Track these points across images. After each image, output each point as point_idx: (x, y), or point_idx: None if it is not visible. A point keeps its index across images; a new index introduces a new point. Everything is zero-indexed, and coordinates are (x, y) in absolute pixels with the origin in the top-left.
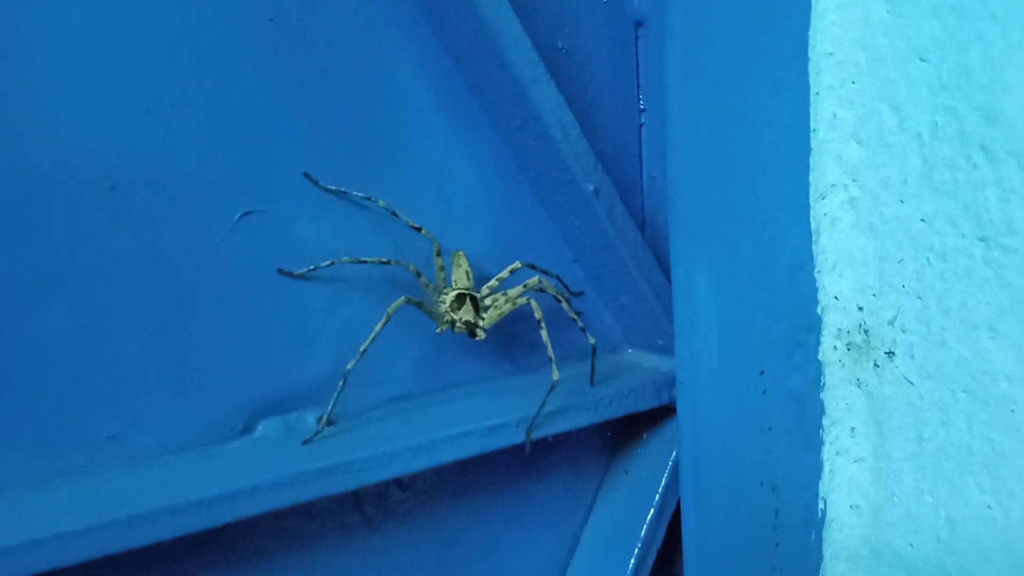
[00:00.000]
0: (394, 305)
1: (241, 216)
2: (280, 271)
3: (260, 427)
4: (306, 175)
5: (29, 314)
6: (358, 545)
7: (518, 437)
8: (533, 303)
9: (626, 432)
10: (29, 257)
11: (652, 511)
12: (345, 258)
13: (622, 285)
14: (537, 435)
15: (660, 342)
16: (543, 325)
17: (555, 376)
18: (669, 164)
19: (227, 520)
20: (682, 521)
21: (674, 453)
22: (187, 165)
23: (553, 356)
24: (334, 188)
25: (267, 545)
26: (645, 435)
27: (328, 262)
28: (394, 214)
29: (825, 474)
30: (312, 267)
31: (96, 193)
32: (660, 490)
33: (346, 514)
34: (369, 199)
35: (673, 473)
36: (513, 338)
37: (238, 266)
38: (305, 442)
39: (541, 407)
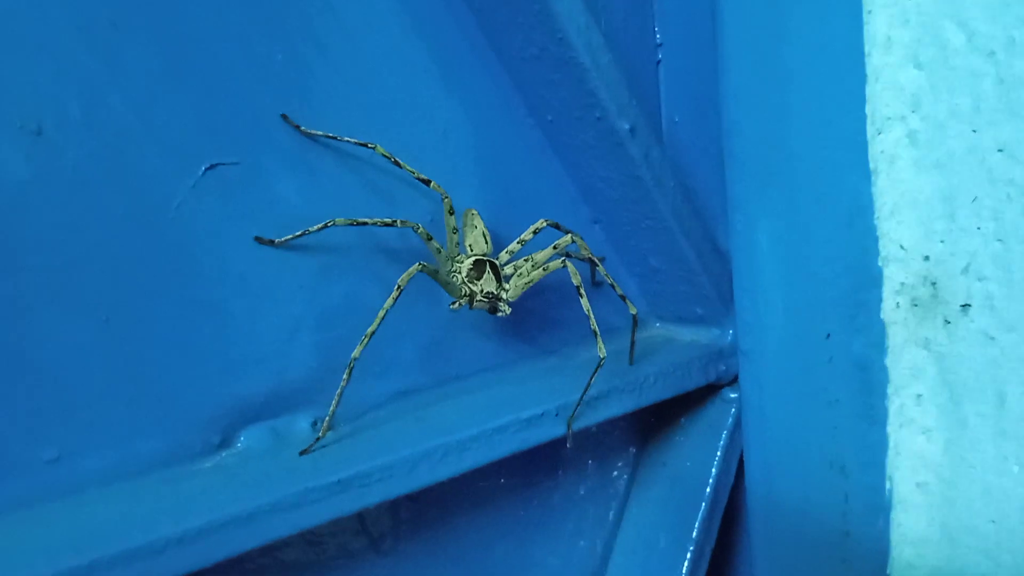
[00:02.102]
0: (407, 274)
1: (206, 170)
2: (258, 239)
3: (242, 438)
4: (284, 117)
5: None
6: (365, 573)
7: (558, 429)
8: (570, 266)
9: (656, 419)
10: None
11: (704, 507)
12: (340, 219)
13: (656, 245)
14: (578, 425)
15: (699, 311)
16: (583, 293)
17: (602, 353)
18: (722, 94)
19: (218, 559)
20: (748, 519)
21: (723, 439)
22: (135, 102)
23: (597, 329)
24: (320, 133)
25: None
26: (683, 420)
27: (320, 225)
28: (397, 163)
29: (890, 450)
30: (299, 232)
31: (14, 139)
32: (711, 483)
33: (349, 538)
34: (367, 145)
35: (724, 462)
36: (528, 314)
37: (203, 234)
38: (304, 452)
39: (585, 390)
